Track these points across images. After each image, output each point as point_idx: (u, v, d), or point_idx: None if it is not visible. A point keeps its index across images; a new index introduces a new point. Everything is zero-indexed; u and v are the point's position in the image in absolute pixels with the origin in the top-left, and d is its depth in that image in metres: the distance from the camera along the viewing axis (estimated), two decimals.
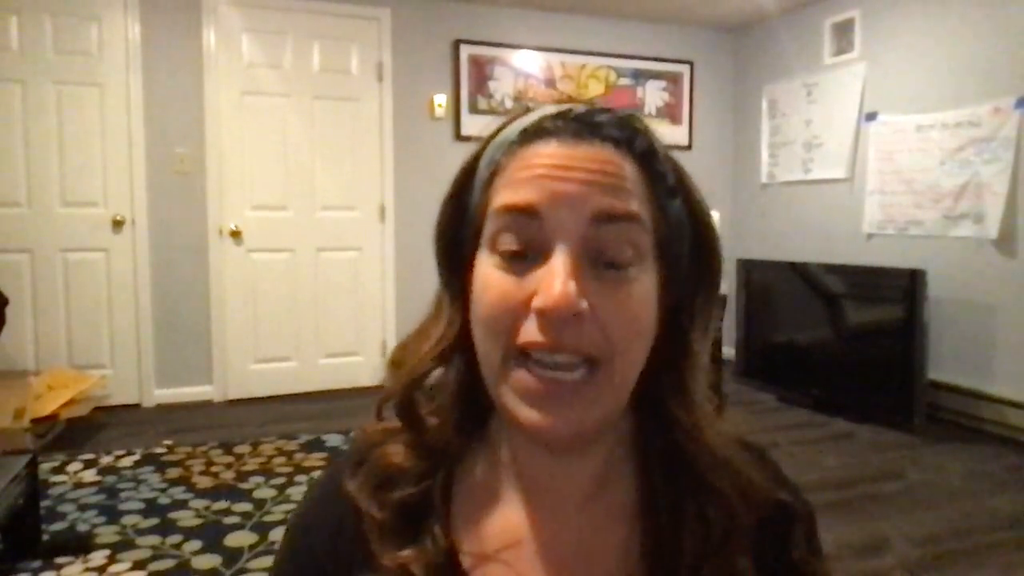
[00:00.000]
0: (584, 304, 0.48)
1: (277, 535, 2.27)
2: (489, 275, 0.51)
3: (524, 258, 0.50)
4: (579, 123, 0.51)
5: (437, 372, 0.57)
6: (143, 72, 3.75)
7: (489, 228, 0.52)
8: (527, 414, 0.49)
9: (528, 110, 0.55)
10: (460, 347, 0.56)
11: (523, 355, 0.49)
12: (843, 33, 4.19)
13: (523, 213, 0.50)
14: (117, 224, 3.77)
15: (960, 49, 3.55)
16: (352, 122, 4.15)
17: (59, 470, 2.86)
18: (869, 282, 3.76)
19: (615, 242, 0.49)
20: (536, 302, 0.48)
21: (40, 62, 3.61)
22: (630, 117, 0.54)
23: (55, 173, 3.67)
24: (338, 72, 4.11)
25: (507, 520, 0.55)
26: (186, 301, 3.92)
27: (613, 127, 0.52)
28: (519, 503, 0.55)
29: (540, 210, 0.49)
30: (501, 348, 0.50)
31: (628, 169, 0.51)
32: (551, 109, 0.53)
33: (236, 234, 3.96)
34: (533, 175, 0.50)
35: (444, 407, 0.58)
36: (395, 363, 0.58)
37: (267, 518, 2.41)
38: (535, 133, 0.52)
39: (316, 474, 2.81)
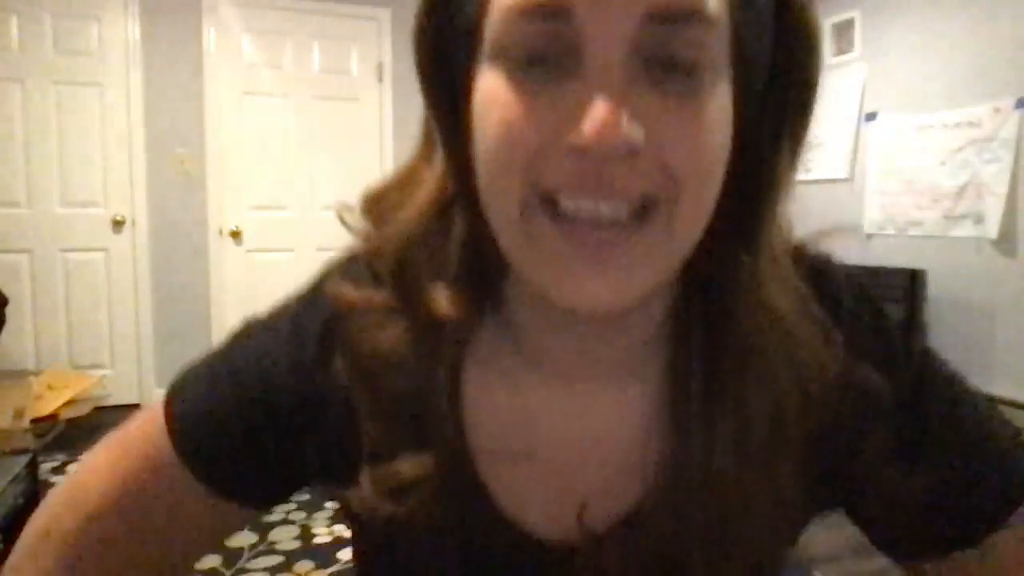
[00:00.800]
0: (639, 134, 0.34)
1: (277, 535, 2.27)
2: (495, 93, 0.37)
3: (546, 66, 0.36)
4: None
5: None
6: (143, 72, 3.75)
7: (493, 31, 0.37)
8: (556, 282, 0.37)
9: None
10: (463, 194, 0.43)
11: (549, 202, 0.37)
12: (843, 33, 4.19)
13: (547, 12, 0.35)
14: (117, 224, 3.77)
15: (960, 49, 3.55)
16: (352, 122, 4.15)
17: (59, 470, 2.86)
18: (869, 282, 3.73)
19: (678, 46, 0.35)
20: (571, 136, 0.35)
21: (40, 62, 3.61)
22: None
23: (55, 173, 3.67)
24: (338, 72, 4.10)
25: (524, 411, 0.45)
26: (186, 301, 3.92)
27: None
28: (537, 388, 0.45)
29: (572, 6, 0.34)
30: (518, 195, 0.37)
31: None
32: None
33: (236, 234, 3.96)
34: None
35: (445, 275, 0.44)
36: (376, 216, 0.46)
37: (267, 518, 2.40)
38: None
39: None
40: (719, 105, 0.37)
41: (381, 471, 0.43)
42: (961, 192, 3.52)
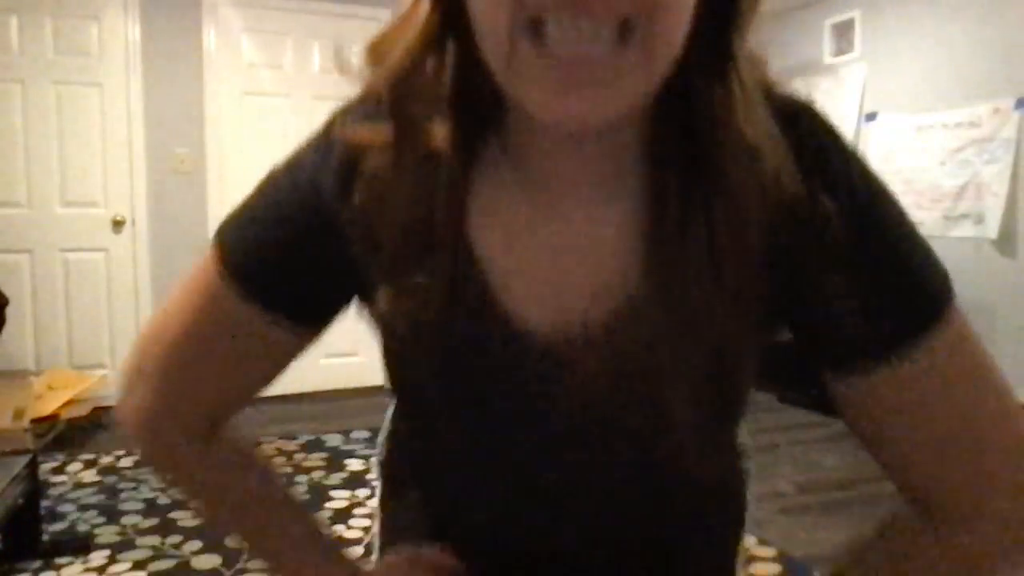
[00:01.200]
0: None
1: None
2: None
3: None
4: None
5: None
6: (143, 72, 3.75)
7: None
8: (542, 101, 0.40)
9: None
10: (454, 27, 0.46)
11: (535, 28, 0.39)
12: (843, 33, 4.19)
13: None
14: (117, 224, 3.77)
15: (960, 49, 3.55)
16: None
17: (59, 470, 2.87)
18: None
19: None
20: None
21: (40, 62, 3.61)
22: None
23: (55, 173, 3.67)
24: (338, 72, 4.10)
25: (524, 224, 0.50)
26: None
27: None
28: (534, 204, 0.50)
29: None
30: (506, 20, 0.39)
31: None
32: None
33: None
34: None
35: (442, 107, 0.48)
36: (375, 56, 0.51)
37: None
38: None
39: (316, 474, 2.82)
40: None
41: (397, 285, 0.49)
42: (961, 192, 3.52)
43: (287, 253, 0.53)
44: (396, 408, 0.74)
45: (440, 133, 0.48)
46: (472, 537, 0.61)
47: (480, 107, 0.48)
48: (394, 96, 0.48)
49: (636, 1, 0.38)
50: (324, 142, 0.55)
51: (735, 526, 0.69)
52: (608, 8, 0.38)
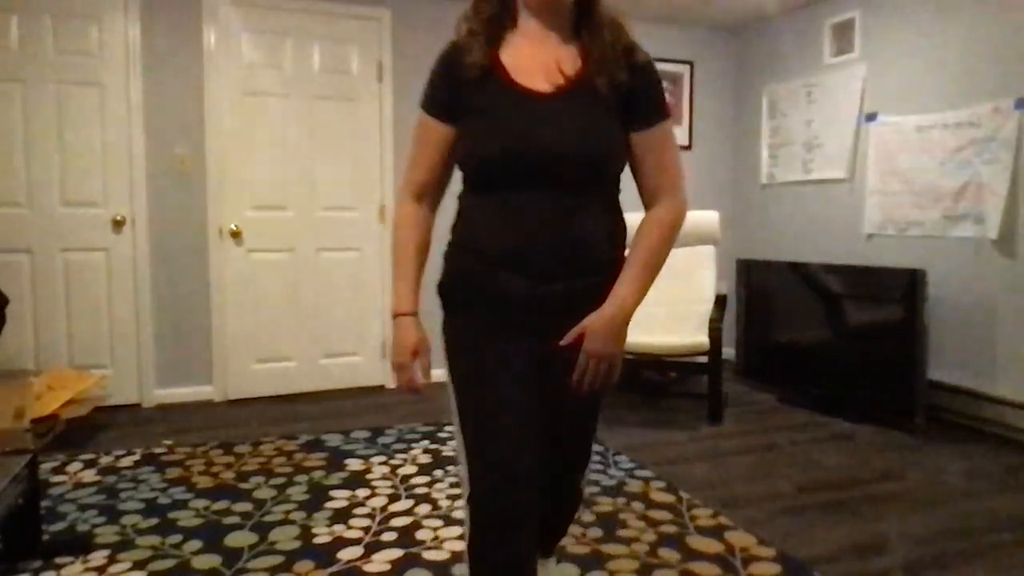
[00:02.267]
0: None
1: (277, 535, 2.27)
2: None
3: None
4: None
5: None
6: (143, 72, 3.75)
7: None
8: None
9: None
10: None
11: None
12: (843, 33, 4.19)
13: None
14: (117, 224, 3.77)
15: (960, 49, 3.55)
16: (352, 122, 4.15)
17: (59, 470, 2.87)
18: (869, 282, 3.76)
19: None
20: None
21: (40, 62, 3.61)
22: None
23: (55, 173, 3.67)
24: (338, 72, 4.11)
25: (525, 53, 1.33)
26: (186, 301, 3.92)
27: None
28: (529, 45, 1.34)
29: None
30: None
31: None
32: None
33: (236, 234, 3.96)
34: None
35: (492, 16, 1.35)
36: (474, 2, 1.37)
37: (267, 518, 2.41)
38: None
39: (316, 474, 2.82)
40: None
41: (476, 93, 1.32)
42: (961, 192, 3.52)
43: (443, 95, 1.36)
44: (464, 186, 1.41)
45: (490, 21, 1.34)
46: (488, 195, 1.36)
47: (507, 13, 1.35)
48: (473, 9, 1.35)
49: None
50: (450, 40, 1.37)
51: (613, 195, 1.39)
52: None
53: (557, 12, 1.31)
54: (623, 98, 1.30)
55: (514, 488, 1.30)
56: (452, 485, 2.71)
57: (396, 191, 1.32)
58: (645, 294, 1.33)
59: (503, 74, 1.31)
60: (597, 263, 1.33)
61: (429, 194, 1.41)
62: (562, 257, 1.30)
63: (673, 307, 3.98)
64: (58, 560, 2.10)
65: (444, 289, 1.41)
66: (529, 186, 1.28)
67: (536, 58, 1.31)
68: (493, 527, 1.32)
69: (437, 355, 1.37)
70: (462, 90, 1.32)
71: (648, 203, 1.36)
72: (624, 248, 1.38)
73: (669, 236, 1.34)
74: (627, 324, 1.31)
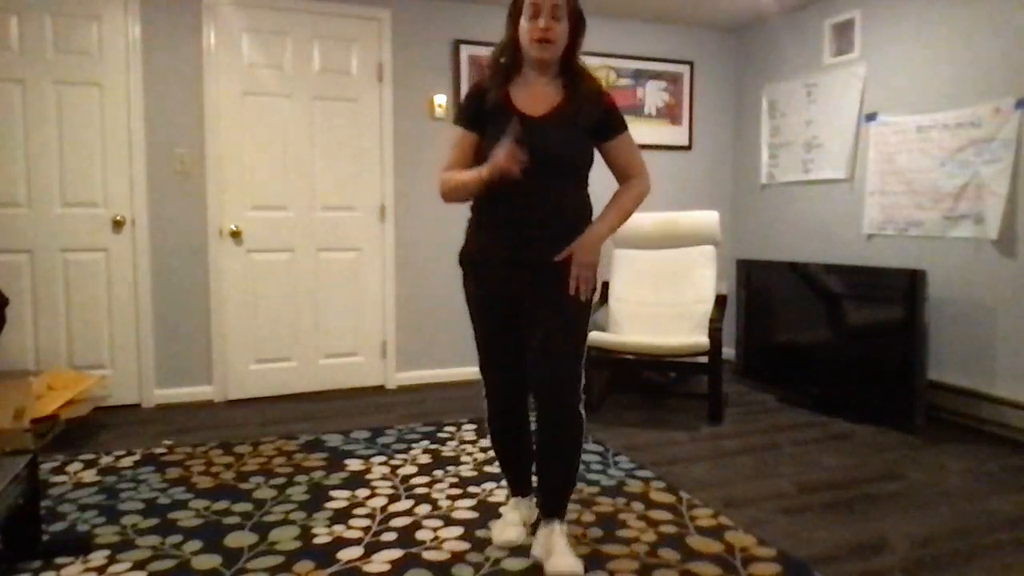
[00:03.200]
0: (552, 23, 1.95)
1: (277, 535, 2.27)
2: (522, 24, 1.97)
3: (537, 16, 1.94)
4: None
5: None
6: (143, 72, 3.75)
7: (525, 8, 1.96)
8: (536, 52, 1.96)
9: None
10: (512, 39, 2.00)
11: (530, 45, 1.96)
12: (843, 33, 4.19)
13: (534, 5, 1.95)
14: (117, 224, 3.77)
15: (960, 49, 3.55)
16: (352, 122, 4.15)
17: (59, 470, 2.86)
18: (869, 282, 3.76)
19: (559, 11, 1.95)
20: (538, 23, 1.94)
21: (40, 62, 3.61)
22: None
23: (55, 173, 3.67)
24: (338, 72, 4.11)
25: (525, 94, 2.01)
26: (186, 301, 3.92)
27: None
28: (526, 86, 2.02)
29: (539, 4, 1.94)
30: (532, 35, 1.95)
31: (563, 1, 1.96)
32: None
33: (236, 234, 3.96)
34: (532, 1, 1.95)
35: (505, 65, 2.03)
36: (495, 53, 2.07)
37: (267, 518, 2.41)
38: None
39: (316, 474, 2.82)
40: (565, 27, 1.99)
41: (492, 115, 2.01)
42: (961, 192, 3.52)
43: (470, 113, 2.05)
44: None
45: (504, 66, 2.05)
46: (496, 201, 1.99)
47: (514, 65, 2.03)
48: (493, 61, 2.07)
49: (552, 35, 1.94)
50: (476, 82, 2.11)
51: (582, 186, 2.06)
52: (549, 34, 1.94)
53: (547, 66, 2.00)
54: (595, 124, 2.01)
55: (503, 395, 2.17)
56: (452, 485, 2.71)
57: (437, 174, 2.10)
58: (613, 231, 2.05)
59: (510, 104, 2.00)
60: (569, 227, 1.99)
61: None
62: (545, 220, 1.96)
63: (673, 307, 3.98)
64: (58, 560, 2.10)
65: (463, 258, 2.11)
66: (526, 175, 1.86)
67: (532, 94, 2.01)
68: (494, 424, 2.23)
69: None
70: (483, 113, 2.01)
71: (621, 183, 2.10)
72: (589, 221, 2.03)
73: (636, 197, 2.07)
74: (601, 244, 2.00)
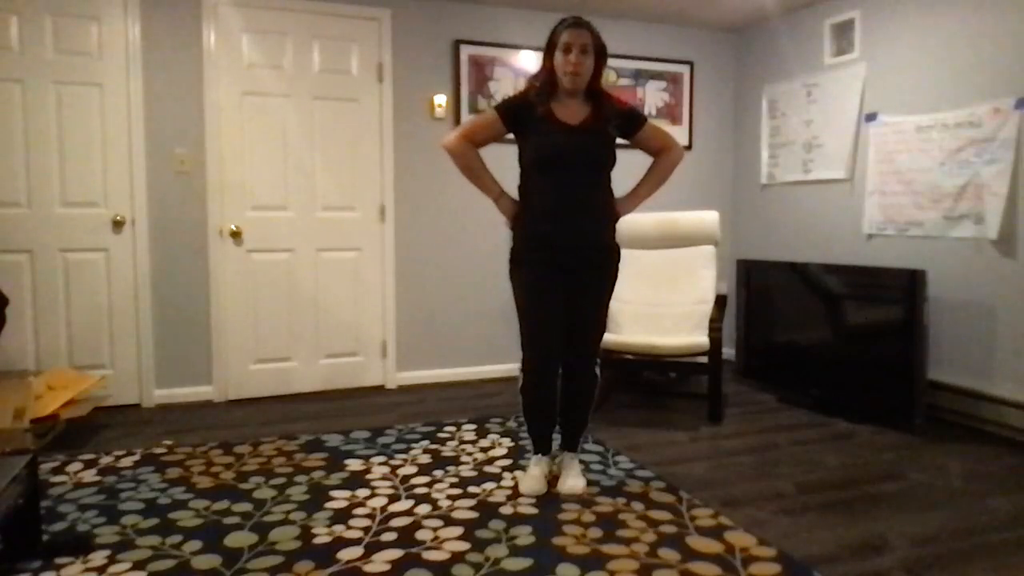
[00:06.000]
0: (581, 58, 2.48)
1: (277, 535, 2.27)
2: (557, 56, 2.48)
3: (569, 52, 2.47)
4: (576, 23, 2.49)
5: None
6: (143, 72, 3.75)
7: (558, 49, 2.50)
8: (568, 81, 2.48)
9: (563, 21, 2.50)
10: (548, 73, 2.52)
11: (563, 76, 2.49)
12: (843, 33, 4.19)
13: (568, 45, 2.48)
14: (117, 224, 3.77)
15: (960, 49, 3.55)
16: (352, 122, 4.15)
17: (59, 470, 2.86)
18: (869, 282, 3.76)
19: (587, 48, 2.47)
20: (569, 58, 2.47)
21: (40, 62, 3.61)
22: (589, 23, 2.49)
23: (55, 173, 3.67)
24: (338, 72, 4.11)
25: (561, 106, 2.52)
26: (186, 301, 3.92)
27: (586, 25, 2.48)
28: (562, 104, 2.52)
29: (571, 43, 2.47)
30: (566, 69, 2.47)
31: (591, 37, 2.47)
32: (570, 20, 2.50)
33: (236, 234, 3.96)
34: (565, 41, 2.47)
35: (544, 88, 2.54)
36: (531, 78, 2.80)
37: (267, 518, 2.41)
38: (565, 26, 2.49)
39: (316, 474, 2.82)
40: (592, 59, 2.52)
41: (537, 122, 2.54)
42: (961, 192, 3.52)
43: (513, 112, 2.55)
44: (521, 178, 2.60)
45: (541, 94, 2.54)
46: (540, 202, 2.54)
47: (551, 89, 2.53)
48: (534, 84, 2.59)
49: (582, 68, 2.48)
50: (521, 91, 2.66)
51: (608, 183, 2.61)
52: (579, 68, 2.48)
53: (577, 91, 2.51)
54: (621, 126, 2.60)
55: (547, 360, 2.60)
56: (452, 485, 2.71)
57: (451, 132, 2.56)
58: (651, 194, 2.70)
59: (552, 117, 2.49)
60: (600, 215, 2.57)
61: (474, 146, 2.59)
62: (591, 207, 2.53)
63: (673, 307, 3.98)
64: (58, 560, 2.10)
65: (519, 248, 2.57)
66: (565, 173, 2.48)
67: (568, 108, 2.52)
68: (534, 383, 2.63)
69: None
70: (528, 120, 2.51)
71: (656, 156, 2.70)
72: (614, 208, 2.63)
73: (673, 161, 2.69)
74: (639, 204, 2.69)
